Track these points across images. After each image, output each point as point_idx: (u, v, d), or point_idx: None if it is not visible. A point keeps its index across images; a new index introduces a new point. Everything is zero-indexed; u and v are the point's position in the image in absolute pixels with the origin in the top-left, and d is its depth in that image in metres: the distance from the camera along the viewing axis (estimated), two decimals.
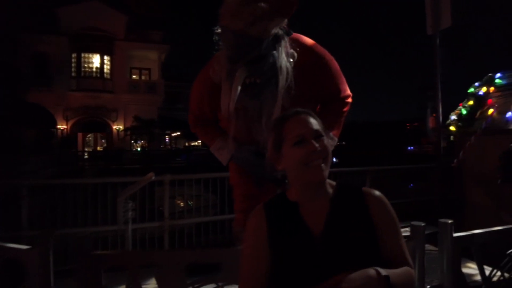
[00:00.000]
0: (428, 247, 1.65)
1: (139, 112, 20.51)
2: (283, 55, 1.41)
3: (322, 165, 0.98)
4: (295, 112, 1.05)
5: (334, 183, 1.08)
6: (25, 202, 3.41)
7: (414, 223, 1.51)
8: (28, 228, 3.36)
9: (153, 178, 2.39)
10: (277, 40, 1.39)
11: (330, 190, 1.04)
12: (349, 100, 1.71)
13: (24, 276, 1.37)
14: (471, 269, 2.49)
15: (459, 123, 4.11)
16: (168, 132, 28.42)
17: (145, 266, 1.44)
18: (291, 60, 1.45)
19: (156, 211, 4.05)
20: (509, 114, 3.72)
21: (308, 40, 1.56)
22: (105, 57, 21.11)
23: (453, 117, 4.17)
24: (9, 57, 15.57)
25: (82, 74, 20.66)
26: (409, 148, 32.62)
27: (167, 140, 30.04)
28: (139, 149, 23.52)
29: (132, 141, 23.05)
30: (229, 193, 3.72)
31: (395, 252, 0.98)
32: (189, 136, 28.94)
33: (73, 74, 20.59)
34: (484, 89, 4.12)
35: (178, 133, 29.66)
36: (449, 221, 1.55)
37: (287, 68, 1.42)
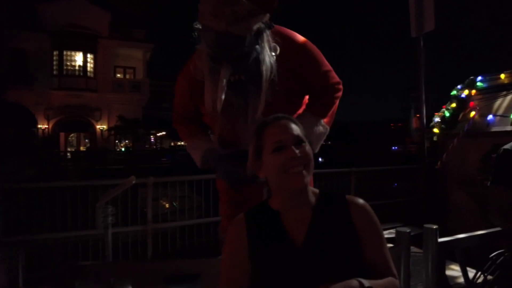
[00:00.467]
0: (412, 249, 1.65)
1: (124, 111, 20.18)
2: (266, 49, 1.38)
3: (303, 171, 0.95)
4: (274, 118, 1.02)
5: (317, 191, 1.05)
6: (1, 206, 3.28)
7: (400, 229, 1.49)
8: (3, 234, 3.23)
9: (134, 182, 2.32)
10: (259, 34, 1.35)
11: (313, 199, 1.01)
12: (340, 86, 1.64)
13: None
14: (454, 271, 2.52)
15: (443, 125, 4.16)
16: (153, 132, 28.10)
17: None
18: (273, 53, 1.41)
19: (139, 213, 3.96)
20: (490, 116, 3.78)
21: (288, 31, 1.52)
22: (88, 55, 20.64)
23: (437, 119, 4.22)
24: None
25: (64, 72, 20.13)
26: (393, 148, 33.16)
27: (152, 140, 29.71)
28: (123, 149, 23.13)
29: (116, 141, 22.66)
30: (215, 195, 3.66)
31: (378, 262, 0.96)
32: (175, 136, 28.63)
33: (54, 72, 20.02)
34: (466, 91, 4.18)
35: (163, 133, 29.36)
36: (434, 227, 1.55)
37: (270, 63, 1.38)
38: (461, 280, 1.87)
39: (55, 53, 19.96)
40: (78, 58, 20.42)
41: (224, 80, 1.30)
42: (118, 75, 23.06)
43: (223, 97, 1.31)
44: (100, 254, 3.28)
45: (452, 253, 1.79)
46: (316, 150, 1.62)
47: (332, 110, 1.67)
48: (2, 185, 3.49)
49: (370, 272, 0.93)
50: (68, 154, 20.86)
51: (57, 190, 3.72)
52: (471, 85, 4.20)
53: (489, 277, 1.80)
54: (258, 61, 1.35)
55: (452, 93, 4.28)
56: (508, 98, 3.81)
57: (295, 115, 1.59)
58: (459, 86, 4.26)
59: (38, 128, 19.28)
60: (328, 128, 1.68)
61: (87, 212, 3.59)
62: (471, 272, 1.83)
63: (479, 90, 4.15)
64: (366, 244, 0.95)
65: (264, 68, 1.36)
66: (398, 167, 5.73)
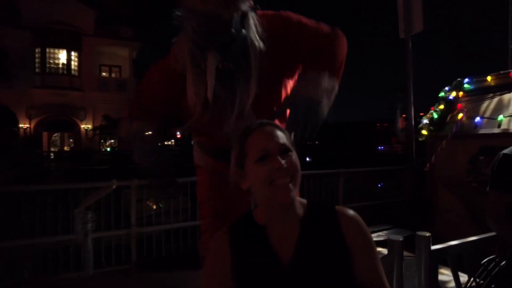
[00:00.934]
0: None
1: (109, 110, 19.77)
2: (254, 33, 1.26)
3: (290, 184, 0.87)
4: (259, 124, 0.94)
5: (305, 201, 0.97)
6: None
7: (392, 236, 1.44)
8: None
9: (115, 186, 2.21)
10: (244, 17, 1.23)
11: (301, 211, 0.94)
12: (335, 32, 1.41)
13: None
14: (444, 275, 2.50)
15: (431, 127, 4.16)
16: None
17: None
18: (260, 36, 1.27)
19: (122, 216, 3.82)
20: (477, 119, 3.79)
21: (269, 12, 1.38)
22: (73, 53, 20.16)
23: (425, 121, 4.22)
24: None
25: (47, 70, 19.63)
26: (379, 147, 33.57)
27: None
28: (108, 149, 22.72)
29: (102, 141, 22.27)
30: None
31: (371, 277, 0.90)
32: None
33: (37, 70, 19.50)
34: (453, 93, 4.19)
35: (150, 132, 29.02)
36: (427, 234, 1.50)
37: (259, 48, 1.26)
38: (452, 284, 1.86)
39: (37, 50, 19.42)
40: (62, 56, 19.93)
41: (212, 68, 1.17)
42: (104, 73, 22.62)
43: (213, 85, 1.19)
44: (82, 261, 3.15)
45: (445, 259, 1.77)
46: (326, 111, 1.35)
47: (336, 61, 1.42)
48: None
49: (362, 287, 0.87)
50: (52, 154, 20.29)
51: (36, 193, 3.56)
52: (458, 87, 4.22)
53: (481, 281, 1.78)
54: (246, 46, 1.23)
55: (440, 95, 4.29)
56: (495, 100, 3.84)
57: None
58: (446, 88, 4.28)
59: (19, 128, 18.74)
60: (336, 83, 1.40)
61: (68, 216, 3.45)
62: (462, 277, 1.81)
63: (466, 92, 4.17)
64: (358, 258, 0.89)
65: (252, 53, 1.24)
66: (388, 168, 5.73)
